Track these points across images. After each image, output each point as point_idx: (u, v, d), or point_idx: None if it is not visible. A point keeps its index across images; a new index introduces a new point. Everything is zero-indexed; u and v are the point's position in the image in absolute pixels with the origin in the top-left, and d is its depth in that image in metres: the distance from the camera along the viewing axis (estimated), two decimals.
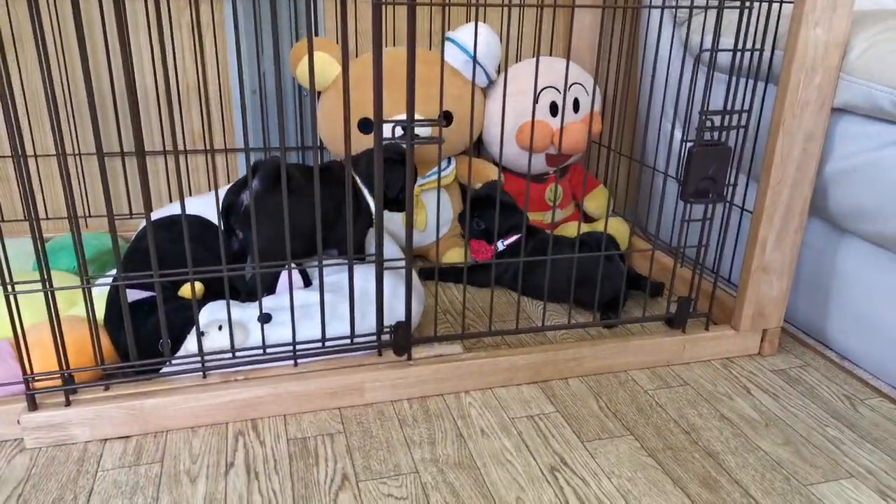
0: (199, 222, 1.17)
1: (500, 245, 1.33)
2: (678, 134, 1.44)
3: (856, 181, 1.05)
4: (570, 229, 1.48)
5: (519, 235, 1.32)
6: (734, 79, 1.03)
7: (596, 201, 1.57)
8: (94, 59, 1.39)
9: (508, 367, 1.05)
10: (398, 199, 1.16)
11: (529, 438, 0.94)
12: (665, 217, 1.51)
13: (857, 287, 1.11)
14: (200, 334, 0.95)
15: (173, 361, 0.96)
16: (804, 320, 1.23)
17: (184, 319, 0.98)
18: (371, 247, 1.25)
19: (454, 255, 1.43)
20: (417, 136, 0.87)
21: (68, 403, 0.90)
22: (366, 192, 1.17)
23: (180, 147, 1.50)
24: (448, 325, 1.23)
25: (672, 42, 1.38)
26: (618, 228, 1.49)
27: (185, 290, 1.01)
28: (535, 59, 1.51)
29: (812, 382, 1.09)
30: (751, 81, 1.09)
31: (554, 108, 1.43)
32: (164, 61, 0.80)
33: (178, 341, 0.97)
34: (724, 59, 1.24)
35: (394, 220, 1.41)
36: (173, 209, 1.22)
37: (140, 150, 0.83)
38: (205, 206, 1.21)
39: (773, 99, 1.05)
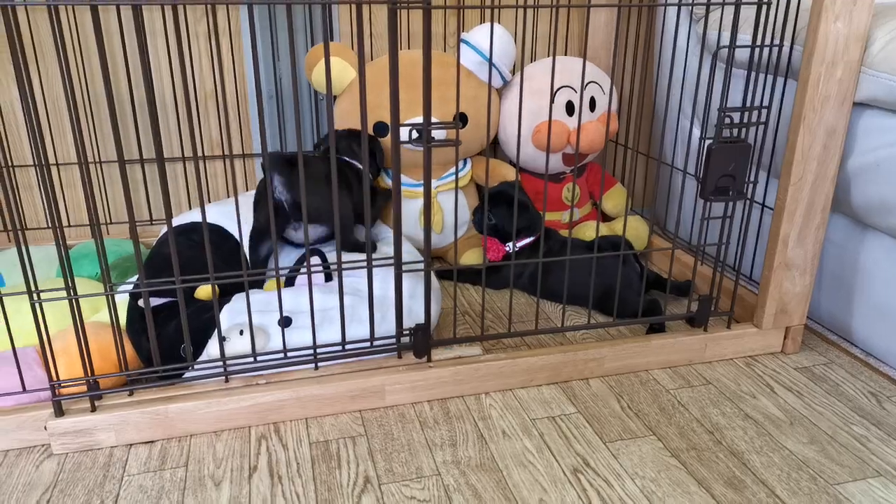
0: (216, 231, 1.18)
1: (512, 246, 1.32)
2: (696, 132, 1.43)
3: (879, 176, 1.03)
4: (588, 229, 1.48)
5: (531, 238, 1.32)
6: (753, 75, 1.01)
7: (613, 200, 1.56)
8: (114, 68, 1.41)
9: (528, 368, 1.05)
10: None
11: (551, 439, 0.94)
12: (684, 215, 1.50)
13: (881, 282, 1.10)
14: (222, 339, 0.95)
15: (196, 367, 0.96)
16: (827, 317, 1.21)
17: (202, 324, 0.98)
18: (381, 234, 1.29)
19: (471, 257, 1.43)
20: (433, 138, 0.87)
21: (94, 409, 0.91)
22: (355, 162, 1.28)
23: (199, 153, 1.51)
24: (467, 326, 1.23)
25: (689, 39, 1.37)
26: (636, 227, 1.48)
27: (200, 293, 1.01)
28: (549, 58, 1.50)
29: (837, 380, 1.08)
30: (769, 77, 1.08)
31: (570, 108, 1.42)
32: (182, 68, 0.81)
33: (196, 345, 0.98)
34: (742, 55, 1.23)
35: (409, 222, 1.42)
36: (192, 216, 1.23)
37: (160, 157, 0.84)
38: (222, 215, 1.22)
39: (792, 94, 1.04)
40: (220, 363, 0.96)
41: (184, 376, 0.97)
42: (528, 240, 1.32)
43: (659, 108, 1.56)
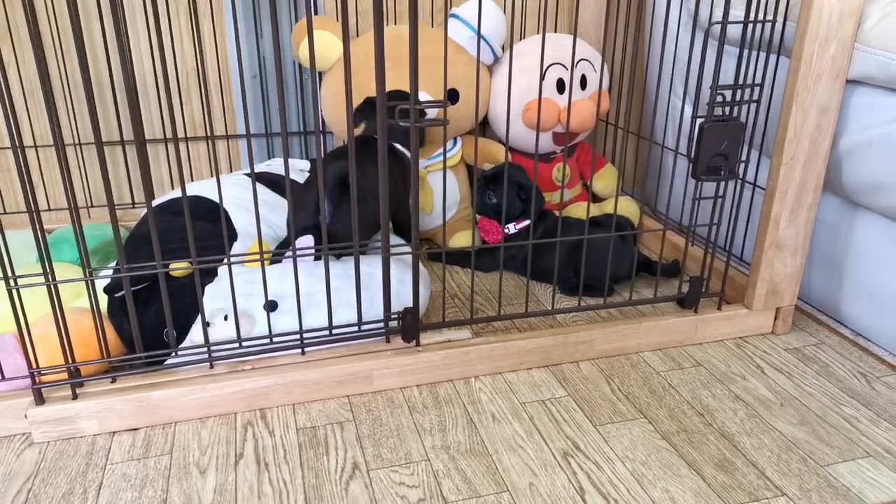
0: (202, 202, 1.15)
1: (512, 228, 1.31)
2: (688, 110, 1.41)
3: (871, 155, 1.02)
4: (579, 210, 1.46)
5: (530, 221, 1.30)
6: (745, 52, 1.00)
7: (604, 181, 1.55)
8: (92, 47, 1.37)
9: (518, 352, 1.04)
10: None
11: (541, 423, 0.93)
12: (675, 195, 1.49)
13: (872, 263, 1.09)
14: (206, 325, 0.94)
15: (179, 353, 0.95)
16: (817, 297, 1.21)
17: (185, 307, 0.96)
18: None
19: (461, 239, 1.41)
20: (422, 116, 0.85)
21: (75, 397, 0.89)
22: (401, 147, 1.22)
23: (180, 134, 1.48)
24: (456, 309, 1.21)
25: (680, 15, 1.35)
26: (627, 208, 1.47)
27: (176, 270, 0.98)
28: (539, 35, 1.48)
29: (827, 360, 1.08)
30: (762, 54, 1.06)
31: (560, 86, 1.40)
32: (161, 48, 0.78)
33: (180, 330, 0.96)
34: (733, 31, 1.21)
35: None
36: (175, 194, 1.20)
37: (140, 139, 0.81)
38: (206, 187, 1.20)
39: (784, 72, 1.02)
40: (205, 349, 0.94)
41: (167, 362, 0.95)
42: (527, 221, 1.30)
43: (650, 87, 1.54)
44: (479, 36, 0.92)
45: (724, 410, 0.96)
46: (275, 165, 1.39)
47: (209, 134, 1.50)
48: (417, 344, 1.01)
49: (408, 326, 0.99)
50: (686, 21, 1.37)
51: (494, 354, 1.03)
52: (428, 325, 1.04)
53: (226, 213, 1.14)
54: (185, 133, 1.49)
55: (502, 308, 1.20)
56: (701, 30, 1.32)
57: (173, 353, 0.94)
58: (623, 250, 1.21)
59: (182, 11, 1.40)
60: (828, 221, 1.15)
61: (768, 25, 1.04)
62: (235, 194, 1.19)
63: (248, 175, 1.27)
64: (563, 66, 1.40)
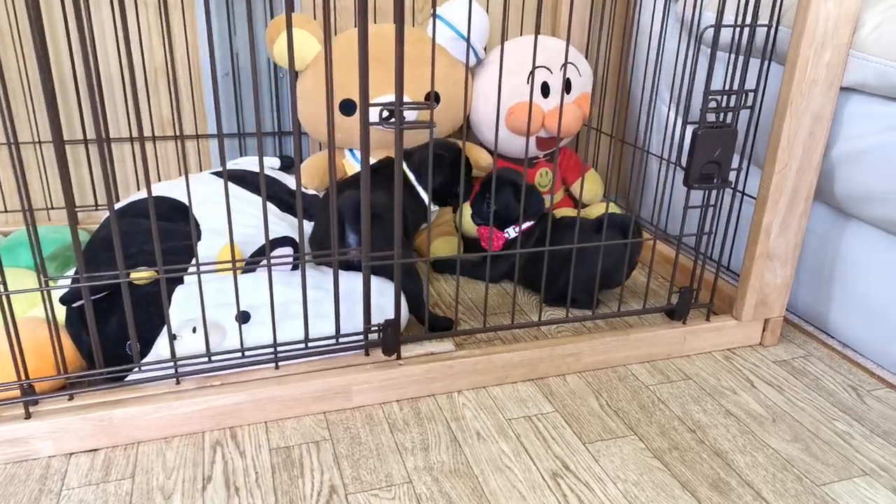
0: (160, 200, 1.09)
1: (512, 232, 1.25)
2: (673, 116, 1.38)
3: (864, 164, 1.00)
4: (566, 213, 1.42)
5: (532, 222, 1.24)
6: (736, 57, 0.97)
7: (587, 186, 1.52)
8: (54, 40, 1.30)
9: (503, 365, 0.99)
10: (448, 197, 1.21)
11: (528, 441, 0.88)
12: (661, 203, 1.46)
13: (862, 273, 1.07)
14: (173, 337, 0.88)
15: (143, 367, 0.88)
16: (805, 308, 1.19)
17: (149, 318, 0.90)
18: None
19: (443, 245, 1.36)
20: (405, 119, 0.80)
21: (28, 416, 0.82)
22: (419, 188, 1.16)
23: (147, 133, 1.41)
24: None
25: (666, 19, 1.32)
26: None
27: (136, 276, 0.92)
28: (524, 37, 1.44)
29: (816, 373, 1.05)
30: (752, 60, 1.04)
31: (545, 89, 1.36)
32: (126, 41, 0.72)
33: (144, 342, 0.90)
34: (724, 37, 1.18)
35: None
36: (137, 196, 1.14)
37: (104, 138, 0.75)
38: (170, 187, 1.14)
39: (774, 79, 0.99)
40: (171, 363, 0.88)
41: (129, 378, 0.89)
42: (528, 223, 1.24)
43: (635, 92, 1.51)
44: (468, 38, 0.88)
45: (716, 426, 0.93)
46: (242, 163, 1.33)
47: (177, 133, 1.44)
48: (398, 357, 0.97)
49: (388, 339, 0.94)
50: (672, 25, 1.35)
51: (479, 368, 0.98)
52: (409, 337, 0.99)
53: (188, 211, 1.07)
54: (153, 132, 1.42)
55: (487, 319, 1.15)
56: (688, 34, 1.30)
57: (136, 368, 0.88)
58: (624, 254, 1.17)
59: (151, 4, 1.34)
60: (817, 231, 1.13)
61: (760, 31, 1.01)
62: (200, 191, 1.13)
63: (215, 174, 1.21)
64: (547, 69, 1.36)
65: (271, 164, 1.36)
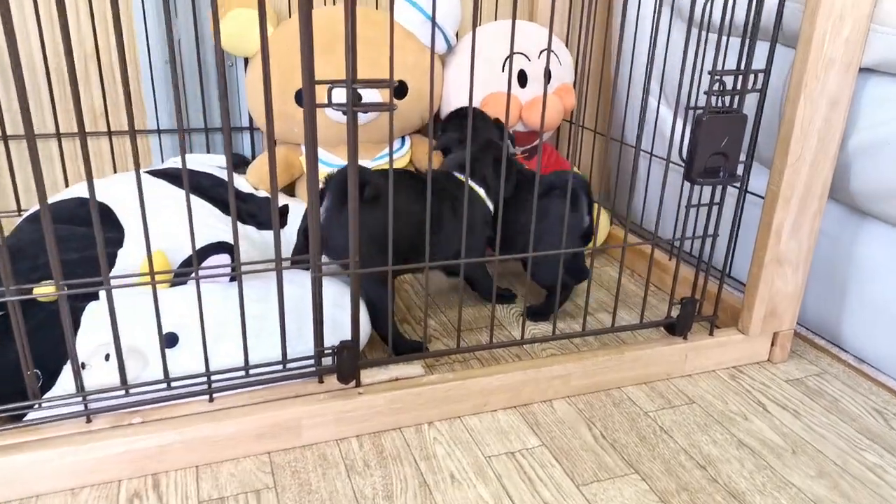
0: (80, 203, 0.94)
1: None
2: (664, 109, 1.26)
3: (886, 155, 0.88)
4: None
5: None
6: (744, 35, 0.84)
7: None
8: None
9: (481, 390, 0.85)
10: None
11: (512, 484, 0.74)
12: (649, 204, 1.34)
13: (879, 280, 0.95)
14: (81, 366, 0.72)
15: (45, 403, 0.73)
16: (815, 319, 1.07)
17: (55, 343, 0.75)
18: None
19: None
20: (360, 98, 0.66)
21: None
22: (482, 192, 1.01)
23: (74, 129, 1.25)
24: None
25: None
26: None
27: (40, 292, 0.76)
28: (498, 22, 1.31)
29: (834, 394, 0.93)
30: (755, 40, 0.92)
31: (522, 78, 1.23)
32: (36, 23, 0.57)
33: (50, 373, 0.75)
34: (717, 15, 1.06)
35: None
36: (56, 198, 0.98)
37: (29, 134, 0.60)
38: (97, 188, 0.98)
39: (779, 63, 0.87)
40: (79, 398, 0.72)
41: (29, 417, 0.73)
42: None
43: (622, 82, 1.39)
44: (433, 18, 0.74)
45: (728, 461, 0.79)
46: (190, 160, 1.18)
47: (112, 129, 1.28)
48: (357, 384, 0.82)
49: (345, 364, 0.79)
50: (662, 3, 1.23)
51: (452, 395, 0.84)
52: (371, 361, 0.84)
53: (111, 213, 0.92)
54: (83, 127, 1.25)
55: (462, 338, 1.02)
56: (679, 15, 1.18)
57: (36, 405, 0.72)
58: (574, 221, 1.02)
59: None
60: (829, 232, 1.01)
61: (769, 6, 0.89)
62: (127, 191, 0.97)
63: (150, 173, 1.06)
64: (524, 56, 1.23)
65: (218, 161, 1.21)
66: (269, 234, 1.07)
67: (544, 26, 1.35)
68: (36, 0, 1.14)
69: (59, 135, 1.24)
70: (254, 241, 1.04)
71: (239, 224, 1.04)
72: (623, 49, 1.32)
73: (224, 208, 1.05)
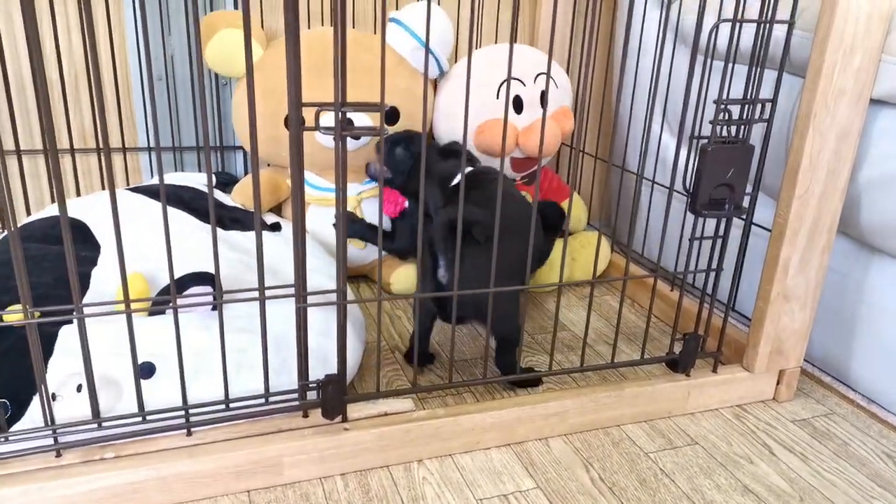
0: (55, 223, 0.91)
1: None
2: (666, 136, 1.24)
3: (895, 189, 0.85)
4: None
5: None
6: (753, 63, 0.82)
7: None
8: None
9: (473, 427, 0.81)
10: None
11: None
12: (651, 232, 1.31)
13: (890, 317, 0.92)
14: (50, 397, 0.68)
15: (12, 436, 0.69)
16: (821, 356, 1.03)
17: (24, 370, 0.71)
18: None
19: (402, 277, 1.18)
20: (349, 123, 0.63)
21: None
22: None
23: (65, 145, 1.22)
24: (396, 367, 0.98)
25: (661, 26, 1.18)
26: (595, 245, 1.28)
27: (10, 315, 0.72)
28: (491, 46, 1.28)
29: (843, 437, 0.89)
30: (763, 69, 0.89)
31: (518, 104, 1.20)
32: (30, 38, 0.54)
33: (18, 403, 0.71)
34: (722, 44, 1.04)
35: (326, 236, 1.16)
36: (33, 217, 0.95)
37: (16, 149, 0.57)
38: (74, 205, 0.95)
39: (785, 93, 0.85)
40: (49, 430, 0.68)
41: None
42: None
43: (624, 109, 1.36)
44: (426, 44, 0.71)
45: None
46: (174, 179, 1.15)
47: (101, 146, 1.25)
48: (344, 419, 0.78)
49: (330, 398, 0.75)
50: (662, 32, 1.21)
51: (443, 432, 0.80)
52: (358, 396, 0.81)
53: (88, 231, 0.89)
54: (72, 143, 1.22)
55: (455, 369, 0.98)
56: (683, 40, 1.16)
57: (1, 438, 0.68)
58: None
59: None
60: (836, 268, 0.98)
61: (776, 34, 0.87)
62: (105, 207, 0.94)
63: (132, 190, 1.03)
64: (520, 81, 1.20)
65: (203, 179, 1.18)
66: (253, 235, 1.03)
67: (543, 51, 1.33)
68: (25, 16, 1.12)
69: (45, 151, 1.21)
70: (235, 245, 0.99)
71: (222, 231, 1.00)
72: (625, 73, 1.30)
73: (204, 218, 1.01)
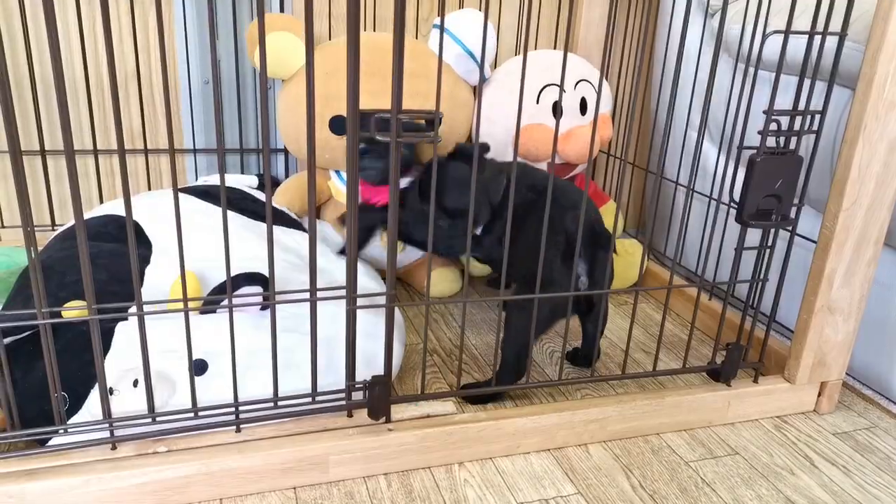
0: (107, 220, 0.93)
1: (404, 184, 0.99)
2: (707, 145, 1.23)
3: None
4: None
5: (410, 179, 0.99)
6: (802, 74, 0.82)
7: (607, 220, 1.36)
8: (11, 40, 1.15)
9: (514, 432, 0.82)
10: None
11: None
12: (689, 240, 1.30)
13: None
14: (108, 391, 0.70)
15: (71, 429, 0.71)
16: (863, 369, 1.02)
17: (82, 365, 0.73)
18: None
19: (442, 278, 1.20)
20: (404, 128, 0.65)
21: None
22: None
23: (112, 146, 1.25)
24: (435, 369, 1.00)
25: (703, 36, 1.18)
26: (634, 253, 1.28)
27: (70, 311, 0.75)
28: (531, 52, 1.29)
29: (886, 450, 0.88)
30: (815, 80, 0.89)
31: (557, 110, 1.21)
32: (79, 43, 0.57)
33: (76, 396, 0.73)
34: (770, 55, 1.03)
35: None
36: (101, 211, 0.98)
37: (69, 150, 0.60)
38: (119, 205, 0.98)
39: (833, 104, 0.84)
40: (105, 424, 0.71)
41: (53, 442, 0.72)
42: (407, 179, 0.99)
43: (661, 117, 1.36)
44: (482, 57, 0.72)
45: None
46: (211, 180, 1.17)
47: (149, 147, 1.29)
48: (387, 420, 0.79)
49: (376, 399, 0.77)
50: (708, 39, 1.20)
51: (485, 435, 0.81)
52: (402, 397, 0.82)
53: (140, 229, 0.91)
54: (122, 145, 1.26)
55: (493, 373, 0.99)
56: (726, 49, 1.15)
57: (62, 430, 0.71)
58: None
59: (122, 3, 1.19)
60: (880, 280, 0.97)
61: (828, 44, 0.86)
62: (158, 207, 0.97)
63: (182, 190, 1.05)
64: (559, 87, 1.21)
65: (248, 181, 1.20)
66: (298, 235, 1.05)
67: (583, 58, 1.33)
68: (80, 19, 1.16)
69: (95, 151, 1.25)
70: (281, 245, 1.00)
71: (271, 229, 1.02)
72: (664, 80, 1.30)
73: (251, 216, 1.03)
